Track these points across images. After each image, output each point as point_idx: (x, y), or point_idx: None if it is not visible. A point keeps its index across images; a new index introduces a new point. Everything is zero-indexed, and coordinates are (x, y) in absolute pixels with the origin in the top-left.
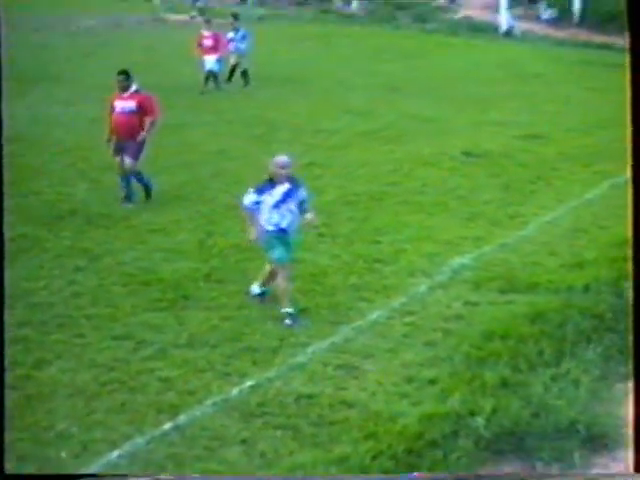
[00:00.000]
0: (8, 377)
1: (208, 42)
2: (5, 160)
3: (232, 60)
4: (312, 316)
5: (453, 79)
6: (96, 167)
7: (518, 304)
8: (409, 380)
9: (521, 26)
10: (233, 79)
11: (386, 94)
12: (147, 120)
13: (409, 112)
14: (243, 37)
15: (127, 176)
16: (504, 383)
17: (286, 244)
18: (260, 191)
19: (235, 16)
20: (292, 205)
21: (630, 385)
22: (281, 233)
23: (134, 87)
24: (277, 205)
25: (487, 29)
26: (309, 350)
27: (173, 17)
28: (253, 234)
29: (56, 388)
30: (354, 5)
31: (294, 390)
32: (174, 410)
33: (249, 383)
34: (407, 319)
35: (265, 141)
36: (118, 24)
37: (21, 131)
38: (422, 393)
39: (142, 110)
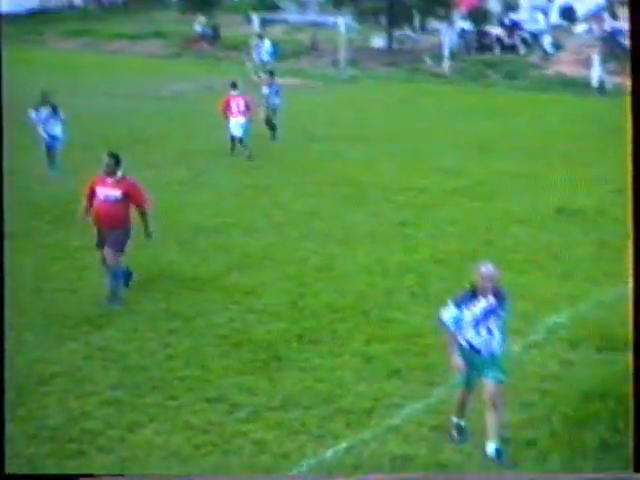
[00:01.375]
0: (101, 439)
1: (236, 105)
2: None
3: (263, 114)
4: (406, 377)
5: (544, 135)
6: (186, 229)
7: (616, 363)
8: (506, 442)
9: (613, 80)
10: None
11: (477, 152)
12: (138, 210)
13: (500, 169)
14: (276, 92)
15: (114, 271)
16: (604, 445)
17: (476, 366)
18: (461, 305)
19: (271, 72)
20: (493, 324)
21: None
22: (473, 352)
23: (120, 173)
24: (476, 323)
25: (579, 84)
26: (404, 411)
27: (281, 81)
28: (457, 360)
29: (150, 451)
30: (445, 64)
31: (389, 451)
32: (268, 473)
33: (343, 445)
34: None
35: (354, 201)
36: (209, 87)
37: None
38: (520, 455)
39: (128, 199)
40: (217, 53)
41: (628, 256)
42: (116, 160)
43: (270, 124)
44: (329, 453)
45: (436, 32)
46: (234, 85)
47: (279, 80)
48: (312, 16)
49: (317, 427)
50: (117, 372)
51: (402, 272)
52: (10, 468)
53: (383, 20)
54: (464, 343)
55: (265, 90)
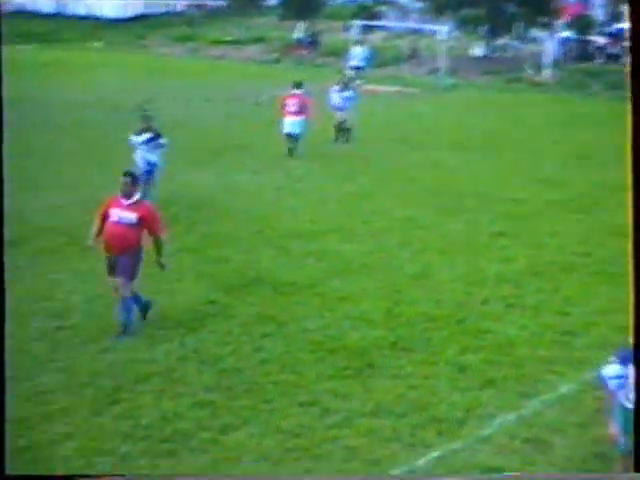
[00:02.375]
0: (193, 441)
1: (292, 104)
2: (191, 225)
3: (338, 118)
4: (499, 387)
5: None
6: (282, 235)
7: None
8: (600, 457)
9: None
10: (347, 138)
11: (577, 162)
12: (152, 238)
13: (600, 180)
14: (350, 98)
15: (125, 301)
16: None
17: None
18: (626, 359)
19: (345, 76)
20: None
21: None
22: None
23: (137, 195)
24: None
25: None
26: (496, 422)
27: (380, 88)
28: (614, 429)
29: (242, 453)
30: (544, 73)
31: (480, 462)
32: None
33: (435, 454)
34: (599, 393)
35: (453, 210)
36: (307, 93)
37: (210, 198)
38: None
39: (143, 225)
40: (316, 59)
41: None
42: (133, 180)
43: (339, 127)
44: (420, 462)
45: (537, 40)
46: (298, 85)
47: (377, 87)
48: (412, 23)
49: (409, 435)
50: (211, 374)
51: (498, 282)
52: (102, 467)
53: (483, 28)
54: (628, 404)
55: (338, 93)
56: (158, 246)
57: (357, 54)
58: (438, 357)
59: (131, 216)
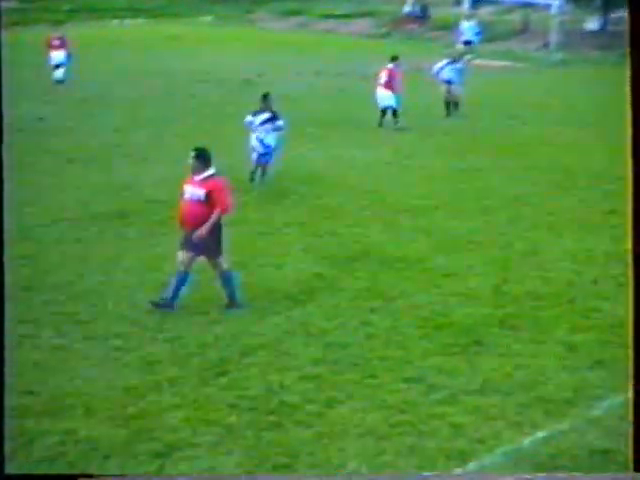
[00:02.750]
0: (298, 414)
1: (385, 76)
2: (300, 199)
3: (447, 91)
4: (609, 368)
5: None
6: (391, 209)
7: None
8: None
9: None
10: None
11: None
12: (216, 211)
13: None
14: (459, 71)
15: (182, 275)
16: None
17: None
18: None
19: (457, 52)
20: None
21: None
22: None
23: (210, 171)
24: None
25: None
26: (605, 404)
27: (491, 63)
28: None
29: (347, 427)
30: None
31: (587, 444)
32: (463, 457)
33: (541, 434)
34: None
35: (563, 187)
36: (417, 68)
37: (319, 172)
38: None
39: (211, 200)
40: (426, 34)
41: None
42: (200, 155)
43: (447, 101)
44: (526, 441)
45: None
46: (394, 58)
47: (487, 62)
48: None
49: (515, 414)
50: (317, 348)
51: (608, 261)
52: (208, 438)
53: (598, 1)
54: None
55: (447, 66)
56: (214, 219)
57: (467, 28)
58: (546, 336)
59: (200, 192)
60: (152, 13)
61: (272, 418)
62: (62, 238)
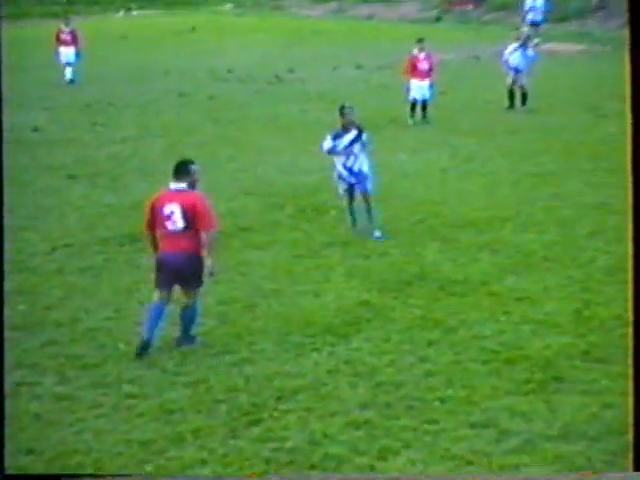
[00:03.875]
0: (346, 467)
1: (423, 65)
2: (342, 215)
3: (513, 80)
4: None
5: None
6: (449, 224)
7: None
8: None
9: None
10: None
11: None
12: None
13: None
14: (529, 58)
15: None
16: None
17: None
18: None
19: (524, 33)
20: None
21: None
22: None
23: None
24: None
25: None
26: None
27: (563, 47)
28: None
29: None
30: None
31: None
32: None
33: None
34: None
35: None
36: (475, 56)
37: None
38: None
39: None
40: (483, 15)
41: None
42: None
43: (512, 92)
44: None
45: None
46: (420, 41)
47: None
48: None
49: (604, 463)
50: (367, 389)
51: None
52: None
53: None
54: None
55: (516, 53)
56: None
57: (533, 7)
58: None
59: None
60: (163, 2)
61: (315, 473)
62: (64, 268)
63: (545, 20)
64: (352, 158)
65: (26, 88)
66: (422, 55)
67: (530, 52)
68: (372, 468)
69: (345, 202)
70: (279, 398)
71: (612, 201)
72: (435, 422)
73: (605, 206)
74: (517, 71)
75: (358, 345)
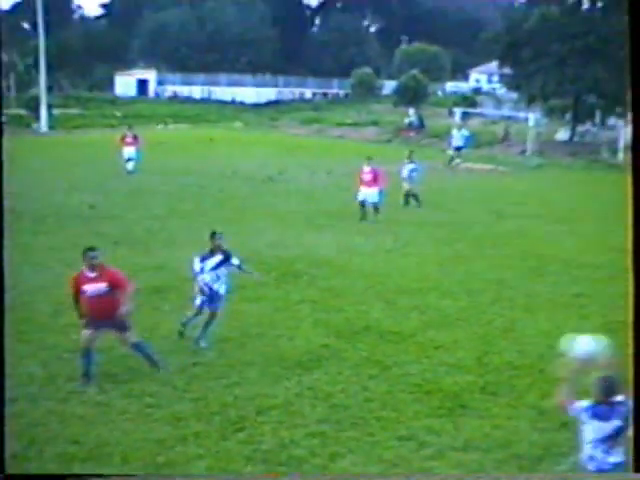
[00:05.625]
0: (306, 466)
1: (367, 176)
2: (312, 280)
3: (406, 186)
4: (573, 430)
5: None
6: (390, 290)
7: None
8: None
9: None
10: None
11: None
12: (122, 296)
13: None
14: (415, 170)
15: (88, 352)
16: None
17: None
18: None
19: (411, 152)
20: None
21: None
22: None
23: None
24: None
25: None
26: (570, 460)
27: (476, 166)
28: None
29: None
30: (619, 156)
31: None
32: None
33: None
34: None
35: (537, 273)
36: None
37: (329, 257)
38: None
39: (114, 288)
40: (422, 140)
41: None
42: (95, 252)
43: (412, 195)
44: None
45: (613, 127)
46: (368, 159)
47: (474, 165)
48: (506, 111)
49: (493, 469)
50: (323, 409)
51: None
52: None
53: (568, 116)
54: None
55: (407, 166)
56: (128, 299)
57: (458, 136)
58: (521, 401)
59: (102, 286)
60: (191, 119)
61: (282, 469)
62: None
63: (465, 146)
64: (215, 279)
65: (90, 177)
66: (368, 169)
67: (412, 166)
68: (325, 467)
69: (192, 313)
70: (258, 412)
71: (507, 278)
72: (372, 435)
73: (502, 282)
74: (406, 180)
75: (318, 377)
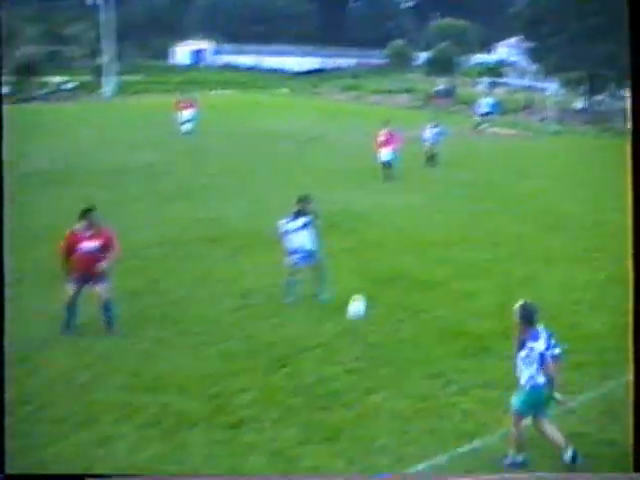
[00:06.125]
0: (343, 399)
1: (383, 138)
2: (351, 233)
3: (427, 147)
4: (584, 370)
5: None
6: (421, 242)
7: None
8: None
9: None
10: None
11: None
12: (109, 254)
13: None
14: (440, 133)
15: (73, 306)
16: None
17: None
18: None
19: (435, 117)
20: None
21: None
22: None
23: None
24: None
25: None
26: (579, 398)
27: (501, 131)
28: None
29: (380, 411)
30: (628, 125)
31: (567, 428)
32: (471, 437)
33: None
34: None
35: (554, 228)
36: (444, 133)
37: (366, 212)
38: None
39: (105, 246)
40: (451, 107)
41: None
42: (91, 213)
43: (430, 155)
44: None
45: (625, 98)
46: (385, 122)
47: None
48: (528, 82)
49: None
50: (359, 348)
51: (588, 287)
52: (272, 415)
53: (584, 87)
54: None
55: (430, 130)
56: (112, 260)
57: (484, 104)
58: None
59: (95, 244)
60: (241, 86)
61: (322, 402)
62: (164, 256)
63: (491, 113)
64: (303, 238)
65: (149, 138)
66: (383, 132)
67: (437, 129)
68: (360, 400)
69: (290, 271)
70: (301, 350)
71: (527, 233)
72: (403, 372)
73: (522, 236)
74: (427, 141)
75: (356, 319)
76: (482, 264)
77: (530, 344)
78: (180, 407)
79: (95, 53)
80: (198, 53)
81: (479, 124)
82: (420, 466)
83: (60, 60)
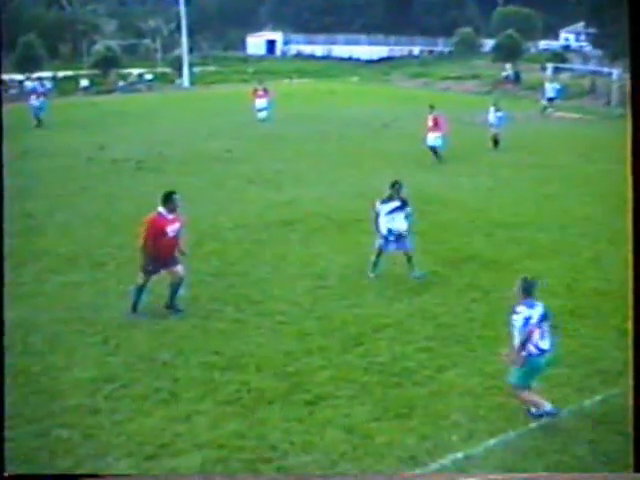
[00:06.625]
0: (416, 376)
1: (430, 123)
2: (422, 215)
3: (492, 131)
4: None
5: None
6: (491, 224)
7: None
8: None
9: None
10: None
11: None
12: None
13: None
14: (502, 118)
15: (142, 289)
16: None
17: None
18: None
19: (497, 101)
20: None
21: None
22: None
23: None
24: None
25: None
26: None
27: (566, 115)
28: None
29: (452, 388)
30: None
31: (632, 405)
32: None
33: (598, 397)
34: None
35: (621, 210)
36: (511, 118)
37: (437, 195)
38: None
39: (181, 230)
40: (518, 92)
41: None
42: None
43: (495, 139)
44: (587, 403)
45: None
46: (431, 107)
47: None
48: (592, 67)
49: (579, 382)
50: (431, 327)
51: None
52: (348, 392)
53: None
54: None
55: (494, 114)
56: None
57: (550, 89)
58: (605, 323)
59: (178, 226)
60: (313, 74)
61: (395, 379)
62: (242, 239)
63: (556, 97)
64: (392, 221)
65: (226, 126)
66: (431, 116)
67: (500, 114)
68: (432, 378)
69: (376, 252)
70: (375, 330)
71: (594, 214)
72: (474, 351)
73: (589, 218)
74: (493, 126)
75: (427, 299)
76: (550, 245)
77: (520, 308)
78: (258, 385)
79: (172, 45)
80: (272, 43)
81: (545, 108)
82: (490, 442)
83: (139, 53)
